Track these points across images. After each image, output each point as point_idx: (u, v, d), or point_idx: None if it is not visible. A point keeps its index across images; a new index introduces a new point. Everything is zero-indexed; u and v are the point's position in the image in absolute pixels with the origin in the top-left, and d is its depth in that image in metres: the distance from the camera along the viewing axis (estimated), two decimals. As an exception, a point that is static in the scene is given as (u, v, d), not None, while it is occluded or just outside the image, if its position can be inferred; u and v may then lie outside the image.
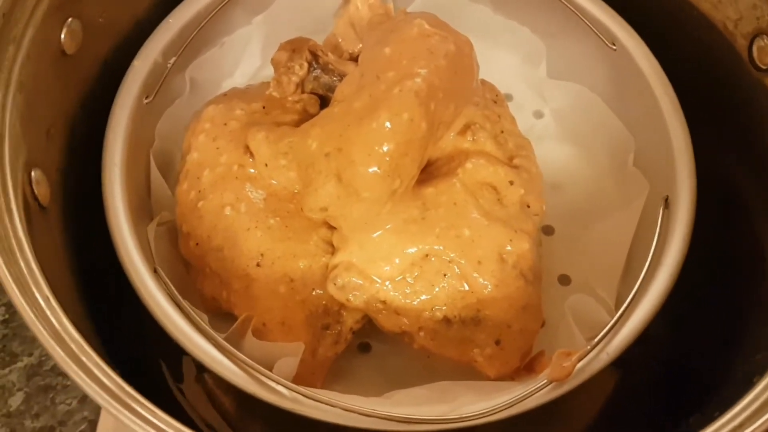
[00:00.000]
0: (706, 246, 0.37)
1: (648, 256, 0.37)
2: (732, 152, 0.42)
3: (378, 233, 0.38)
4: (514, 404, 0.33)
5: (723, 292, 0.40)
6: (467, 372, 0.39)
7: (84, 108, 0.40)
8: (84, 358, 0.28)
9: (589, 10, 0.44)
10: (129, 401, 0.28)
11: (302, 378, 0.38)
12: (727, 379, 0.34)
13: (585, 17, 0.44)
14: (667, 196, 0.40)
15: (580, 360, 0.34)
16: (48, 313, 0.29)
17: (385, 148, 0.36)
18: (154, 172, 0.43)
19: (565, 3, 0.44)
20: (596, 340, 0.35)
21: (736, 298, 0.39)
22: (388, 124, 0.36)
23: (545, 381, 0.33)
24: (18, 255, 0.30)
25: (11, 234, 0.30)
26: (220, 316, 0.40)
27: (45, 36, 0.36)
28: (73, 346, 0.28)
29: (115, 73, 0.41)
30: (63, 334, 0.28)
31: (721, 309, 0.40)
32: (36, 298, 0.29)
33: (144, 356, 0.43)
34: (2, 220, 0.30)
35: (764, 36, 0.37)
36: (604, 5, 0.44)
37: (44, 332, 0.28)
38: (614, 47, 0.44)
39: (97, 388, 0.28)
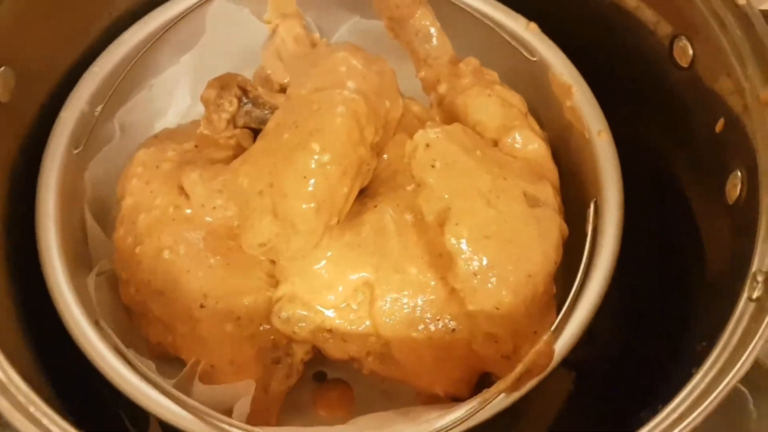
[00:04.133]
0: (646, 241, 0.38)
1: (581, 263, 0.38)
2: (667, 143, 0.43)
3: (320, 263, 0.38)
4: (476, 413, 0.34)
5: (664, 285, 0.41)
6: (424, 394, 0.39)
7: (24, 155, 0.40)
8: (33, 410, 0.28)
9: (509, 26, 0.45)
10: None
11: (256, 416, 0.38)
12: (671, 371, 0.35)
13: (506, 33, 0.45)
14: (596, 200, 0.40)
15: (525, 368, 0.34)
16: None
17: (316, 181, 0.36)
18: (90, 221, 0.42)
19: (487, 21, 0.45)
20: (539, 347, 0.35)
21: (677, 288, 0.40)
22: (316, 156, 0.36)
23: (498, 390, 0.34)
24: None
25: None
26: (168, 362, 0.40)
27: None
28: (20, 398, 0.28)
29: (53, 118, 0.41)
30: (9, 385, 0.28)
31: (664, 301, 0.41)
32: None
33: (104, 406, 0.42)
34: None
35: (683, 37, 0.38)
36: (520, 21, 0.45)
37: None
38: (534, 58, 0.45)
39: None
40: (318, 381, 0.43)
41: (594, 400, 0.44)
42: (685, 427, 0.26)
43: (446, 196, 0.36)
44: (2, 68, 0.37)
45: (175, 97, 0.49)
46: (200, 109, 0.49)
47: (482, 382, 0.39)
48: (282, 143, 0.38)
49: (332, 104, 0.37)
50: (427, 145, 0.36)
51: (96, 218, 0.43)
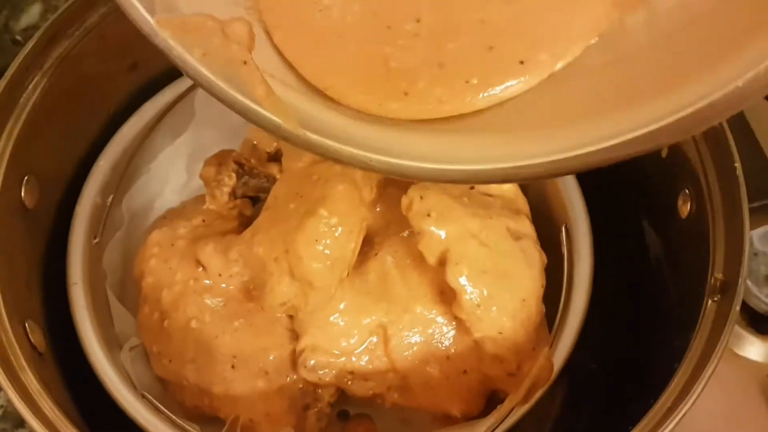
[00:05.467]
0: (615, 260, 0.44)
1: (563, 278, 0.44)
2: (618, 176, 0.48)
3: (335, 314, 0.42)
4: (497, 427, 0.39)
5: (638, 293, 0.47)
6: (440, 417, 0.44)
7: (49, 252, 0.44)
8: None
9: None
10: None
11: (296, 459, 0.42)
12: (654, 368, 0.40)
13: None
14: (566, 225, 0.46)
15: (531, 382, 0.39)
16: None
17: (327, 241, 0.41)
18: (114, 302, 0.46)
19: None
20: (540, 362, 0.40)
21: (650, 296, 0.46)
22: (324, 220, 0.41)
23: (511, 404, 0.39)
24: (42, 402, 0.33)
25: (31, 386, 0.34)
26: (206, 422, 0.43)
27: (9, 197, 0.40)
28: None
29: (69, 213, 0.45)
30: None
31: (638, 308, 0.47)
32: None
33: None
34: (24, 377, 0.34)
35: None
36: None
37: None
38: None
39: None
40: (342, 419, 0.47)
41: (587, 400, 0.49)
42: (678, 413, 0.31)
43: (444, 241, 0.40)
44: (27, 177, 0.41)
45: (170, 176, 0.53)
46: (194, 185, 0.53)
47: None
48: (290, 212, 0.42)
49: (332, 174, 0.42)
50: (421, 198, 0.41)
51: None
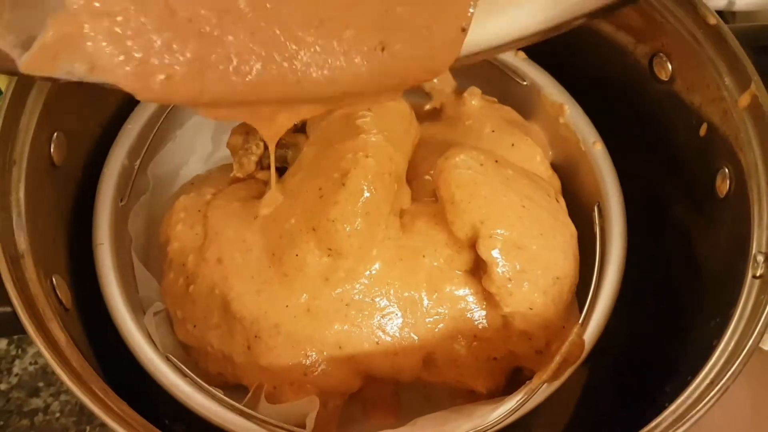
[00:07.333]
0: (650, 239, 0.43)
1: (595, 260, 0.43)
2: (651, 156, 0.48)
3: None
4: (526, 403, 0.38)
5: (672, 274, 0.46)
6: (462, 394, 0.43)
7: (76, 213, 0.43)
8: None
9: (500, 56, 0.50)
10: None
11: (319, 428, 0.41)
12: (689, 347, 0.39)
13: (498, 63, 0.50)
14: (599, 203, 0.45)
15: (562, 358, 0.39)
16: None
17: (358, 209, 0.40)
18: (138, 266, 0.45)
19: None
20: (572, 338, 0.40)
21: (685, 275, 0.45)
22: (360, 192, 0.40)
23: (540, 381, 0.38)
24: (69, 354, 0.33)
25: (58, 338, 0.33)
26: (227, 388, 0.43)
27: (38, 152, 0.39)
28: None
29: (95, 177, 0.44)
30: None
31: (673, 289, 0.46)
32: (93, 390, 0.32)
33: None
34: (52, 328, 0.33)
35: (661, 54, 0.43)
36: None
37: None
38: (525, 83, 0.50)
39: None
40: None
41: (610, 383, 0.49)
42: (719, 391, 0.31)
43: (479, 211, 0.40)
44: (56, 134, 0.41)
45: (196, 145, 0.52)
46: (219, 155, 0.53)
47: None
48: (315, 183, 0.42)
49: (358, 145, 0.41)
50: (456, 165, 0.41)
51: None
